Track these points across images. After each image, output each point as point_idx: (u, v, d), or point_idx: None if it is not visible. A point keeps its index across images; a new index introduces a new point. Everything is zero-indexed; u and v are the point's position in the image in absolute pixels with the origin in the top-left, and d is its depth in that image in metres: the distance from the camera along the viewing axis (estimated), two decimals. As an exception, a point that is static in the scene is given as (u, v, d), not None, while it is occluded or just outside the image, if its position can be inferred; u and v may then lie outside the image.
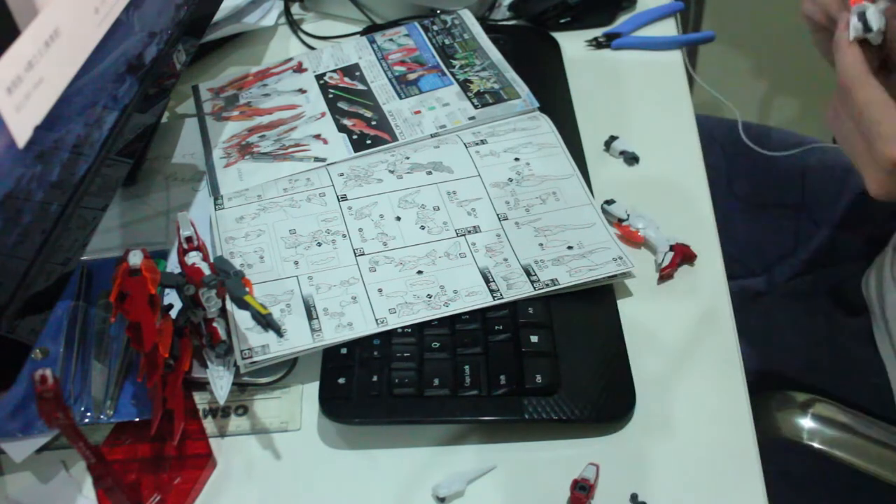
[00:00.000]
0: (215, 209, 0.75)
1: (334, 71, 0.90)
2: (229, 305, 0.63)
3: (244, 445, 0.64)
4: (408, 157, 0.79)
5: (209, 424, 0.65)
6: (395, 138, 0.81)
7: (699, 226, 0.76)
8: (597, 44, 0.95)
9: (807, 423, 0.74)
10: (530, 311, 0.67)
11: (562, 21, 0.96)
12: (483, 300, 0.67)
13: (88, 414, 0.64)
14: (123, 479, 0.59)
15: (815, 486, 0.81)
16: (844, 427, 0.74)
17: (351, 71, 0.89)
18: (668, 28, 0.97)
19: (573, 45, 0.94)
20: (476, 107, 0.83)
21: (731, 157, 1.00)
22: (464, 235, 0.72)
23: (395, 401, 0.63)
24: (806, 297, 0.92)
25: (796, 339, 0.86)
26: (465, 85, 0.86)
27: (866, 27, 0.57)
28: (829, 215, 0.98)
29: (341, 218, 0.74)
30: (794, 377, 0.83)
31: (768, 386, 0.83)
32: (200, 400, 0.66)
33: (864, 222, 0.96)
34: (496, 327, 0.66)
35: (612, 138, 0.82)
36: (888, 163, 0.54)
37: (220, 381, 0.63)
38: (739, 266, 0.98)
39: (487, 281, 0.68)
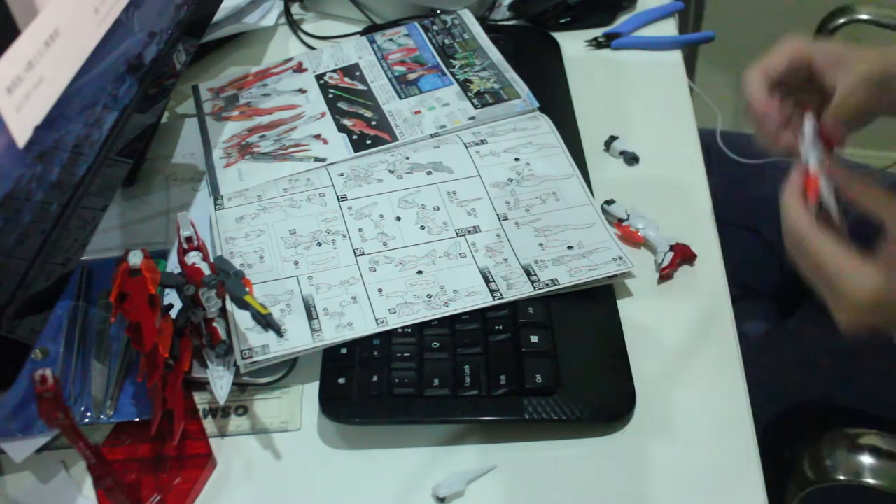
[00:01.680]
0: (215, 209, 0.75)
1: (334, 71, 0.90)
2: (229, 305, 0.63)
3: (244, 445, 0.64)
4: (408, 157, 0.79)
5: (209, 424, 0.65)
6: (395, 138, 0.81)
7: (699, 226, 0.76)
8: (597, 44, 0.95)
9: (865, 459, 0.69)
10: (530, 311, 0.67)
11: (562, 21, 0.96)
12: (483, 300, 0.67)
13: (88, 414, 0.64)
14: (123, 479, 0.59)
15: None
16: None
17: (351, 71, 0.89)
18: (668, 28, 0.97)
19: (573, 45, 0.94)
20: (476, 107, 0.83)
21: (716, 172, 0.97)
22: (464, 235, 0.72)
23: (395, 401, 0.63)
24: (808, 333, 0.90)
25: (825, 355, 0.84)
26: (465, 85, 0.86)
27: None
28: None
29: (341, 218, 0.74)
30: (827, 413, 0.80)
31: (808, 432, 0.80)
32: (200, 400, 0.66)
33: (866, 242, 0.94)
34: (496, 327, 0.66)
35: (612, 138, 0.82)
36: (858, 309, 0.55)
37: (220, 381, 0.63)
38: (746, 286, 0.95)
39: (487, 281, 0.68)
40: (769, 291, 0.98)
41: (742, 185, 0.97)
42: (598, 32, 0.96)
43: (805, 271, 0.59)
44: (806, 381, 0.84)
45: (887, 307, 0.55)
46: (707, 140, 0.94)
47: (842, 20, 1.09)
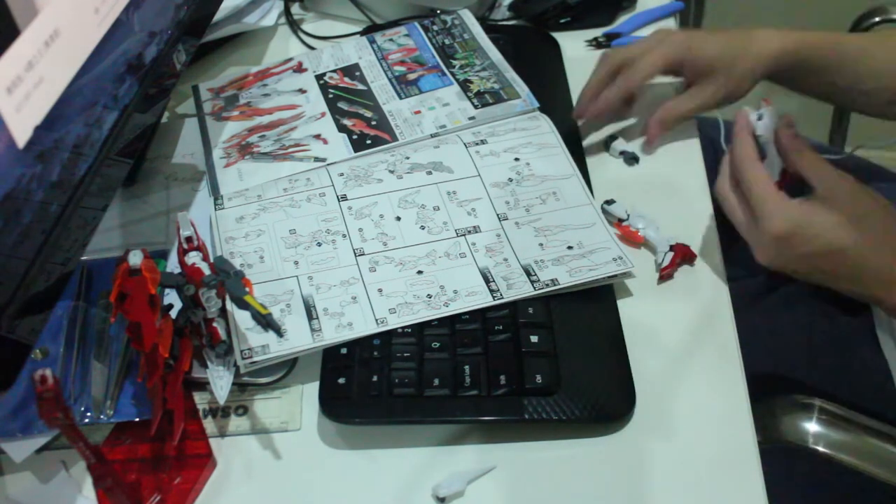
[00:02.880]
0: (215, 209, 0.75)
1: (334, 71, 0.90)
2: (229, 305, 0.63)
3: (244, 445, 0.64)
4: (408, 157, 0.79)
5: (209, 424, 0.65)
6: (395, 138, 0.81)
7: (699, 226, 0.76)
8: (597, 44, 0.95)
9: (812, 426, 0.73)
10: (530, 311, 0.67)
11: (562, 21, 0.96)
12: (483, 300, 0.67)
13: (88, 414, 0.64)
14: (123, 479, 0.59)
15: (817, 490, 0.80)
16: (850, 430, 0.74)
17: (351, 71, 0.89)
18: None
19: (573, 45, 0.94)
20: (476, 107, 0.83)
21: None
22: (464, 235, 0.72)
23: (394, 401, 0.63)
24: (806, 298, 0.92)
25: (798, 339, 0.86)
26: (465, 85, 0.86)
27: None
28: None
29: (341, 218, 0.74)
30: (796, 378, 0.82)
31: (771, 388, 0.82)
32: (200, 400, 0.66)
33: None
34: (496, 327, 0.66)
35: (612, 138, 0.82)
36: (770, 237, 0.64)
37: (220, 381, 0.63)
38: (739, 267, 0.97)
39: (487, 281, 0.68)
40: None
41: None
42: (598, 32, 0.96)
43: (730, 206, 0.68)
44: (773, 354, 0.85)
45: (796, 245, 0.64)
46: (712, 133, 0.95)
47: (877, 19, 1.09)
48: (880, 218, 0.65)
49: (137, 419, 0.64)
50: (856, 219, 0.64)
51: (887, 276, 0.65)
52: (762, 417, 0.64)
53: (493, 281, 0.68)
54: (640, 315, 0.69)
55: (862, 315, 0.85)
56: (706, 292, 0.71)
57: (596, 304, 0.69)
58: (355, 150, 0.80)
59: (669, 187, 0.79)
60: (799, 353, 0.85)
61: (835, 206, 0.64)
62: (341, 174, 0.77)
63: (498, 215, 0.73)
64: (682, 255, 0.72)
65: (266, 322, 0.65)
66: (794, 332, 0.87)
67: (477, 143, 0.79)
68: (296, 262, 0.70)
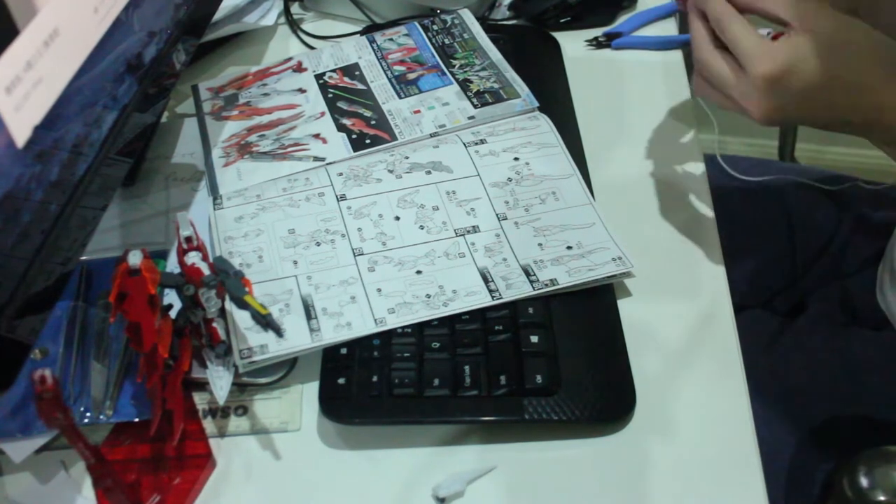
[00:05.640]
0: (214, 209, 0.75)
1: (334, 70, 0.90)
2: (229, 305, 0.63)
3: (244, 445, 0.64)
4: (407, 157, 0.78)
5: (209, 424, 0.65)
6: (394, 138, 0.81)
7: (699, 225, 0.76)
8: (597, 43, 0.95)
9: None
10: (530, 311, 0.66)
11: (562, 21, 0.96)
12: (482, 300, 0.67)
13: (88, 414, 0.64)
14: (123, 479, 0.59)
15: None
16: None
17: (350, 70, 0.89)
18: (668, 28, 0.97)
19: (573, 45, 0.94)
20: (476, 106, 0.83)
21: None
22: (463, 235, 0.72)
23: (394, 401, 0.63)
24: (823, 321, 0.90)
25: (830, 364, 0.84)
26: (464, 84, 0.86)
27: None
28: (818, 239, 0.95)
29: (340, 218, 0.74)
30: (846, 411, 0.80)
31: (829, 425, 0.78)
32: (200, 400, 0.66)
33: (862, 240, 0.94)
34: (496, 327, 0.66)
35: None
36: (762, 80, 0.60)
37: (220, 381, 0.63)
38: (750, 296, 0.94)
39: (486, 281, 0.68)
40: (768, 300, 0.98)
41: (744, 201, 0.97)
42: (598, 32, 0.96)
43: (716, 67, 0.63)
44: (811, 392, 0.83)
45: (791, 82, 0.60)
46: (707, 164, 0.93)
47: None
48: (864, 38, 0.62)
49: (137, 419, 0.63)
50: (842, 44, 0.60)
51: (877, 98, 0.62)
52: (847, 475, 0.61)
53: (493, 281, 0.68)
54: (640, 315, 0.69)
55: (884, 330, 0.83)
56: (706, 292, 0.71)
57: (596, 304, 0.69)
58: (354, 150, 0.80)
59: (669, 187, 0.79)
60: (838, 380, 0.82)
61: (819, 36, 0.60)
62: (340, 174, 0.77)
63: (497, 215, 0.73)
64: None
65: (266, 322, 0.64)
66: (826, 357, 0.85)
67: (476, 143, 0.79)
68: (295, 262, 0.70)
